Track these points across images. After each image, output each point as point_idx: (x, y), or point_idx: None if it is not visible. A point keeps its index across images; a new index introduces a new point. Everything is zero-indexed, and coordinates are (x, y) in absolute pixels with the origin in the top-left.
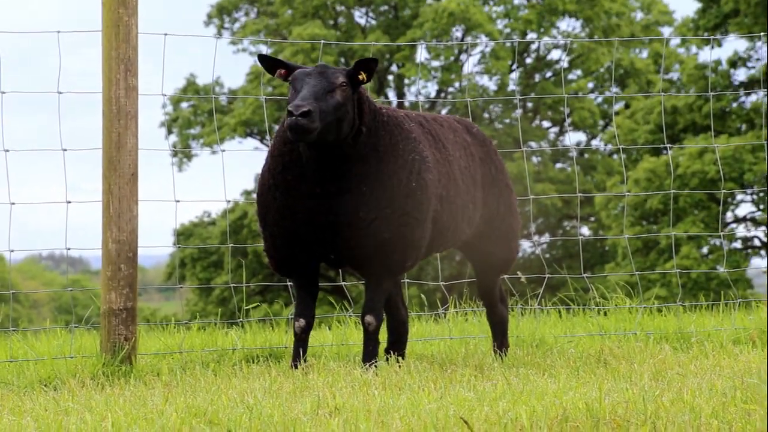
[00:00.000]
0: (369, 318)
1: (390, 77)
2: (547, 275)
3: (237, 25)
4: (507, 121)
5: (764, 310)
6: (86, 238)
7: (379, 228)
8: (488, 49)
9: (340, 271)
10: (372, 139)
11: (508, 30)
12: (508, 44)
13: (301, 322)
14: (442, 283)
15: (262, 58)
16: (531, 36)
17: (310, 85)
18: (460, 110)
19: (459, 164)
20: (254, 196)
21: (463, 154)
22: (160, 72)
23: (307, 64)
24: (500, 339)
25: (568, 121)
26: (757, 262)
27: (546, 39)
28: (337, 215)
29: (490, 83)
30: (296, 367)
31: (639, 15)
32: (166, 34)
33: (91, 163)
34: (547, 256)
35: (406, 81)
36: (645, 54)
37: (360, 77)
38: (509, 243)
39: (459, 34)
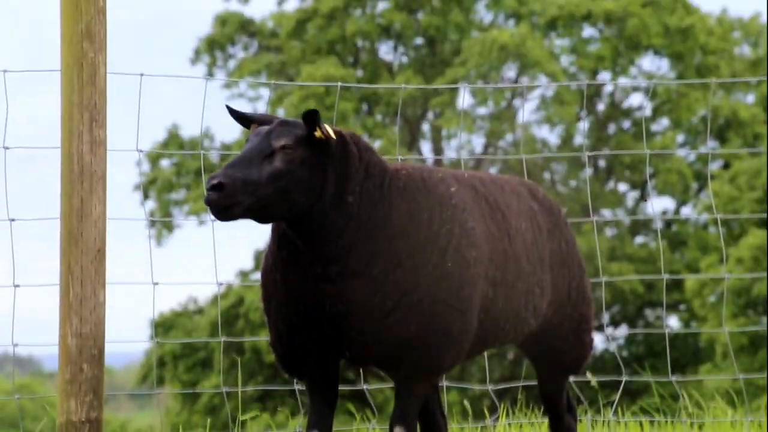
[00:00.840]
0: (399, 431)
1: (425, 127)
2: (624, 378)
3: (232, 63)
4: (573, 183)
5: None
6: (39, 331)
7: (401, 320)
8: (550, 93)
9: (361, 371)
10: (378, 210)
11: (574, 69)
12: (574, 86)
13: None
14: (490, 386)
15: (231, 112)
16: (603, 76)
17: (245, 149)
18: (515, 169)
19: (524, 239)
20: (253, 277)
21: (529, 226)
22: (134, 122)
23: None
24: None
25: (651, 183)
26: None
27: (623, 80)
28: (348, 304)
29: (551, 135)
30: None
31: (744, 49)
32: (142, 75)
33: (46, 237)
34: (625, 353)
35: (445, 132)
36: (751, 99)
37: (318, 135)
38: (581, 337)
39: (512, 74)
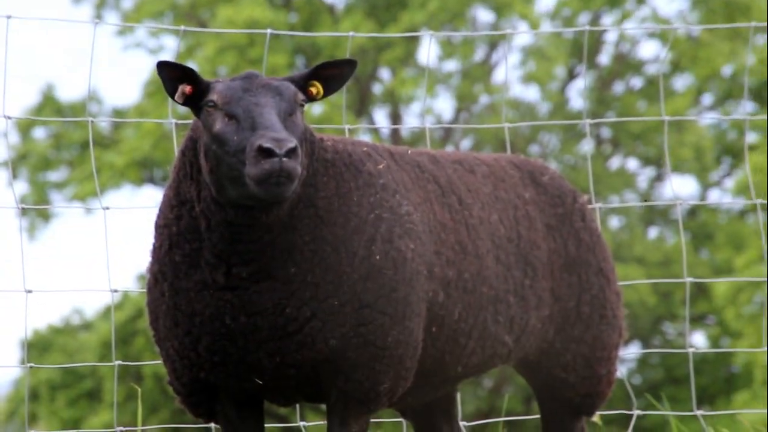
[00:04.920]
0: None
1: (377, 89)
2: (636, 412)
3: (127, 2)
4: (570, 159)
5: None
6: None
7: (319, 330)
8: (536, 42)
9: (297, 406)
10: (307, 190)
11: (567, 12)
12: (569, 33)
13: None
14: (463, 423)
15: (163, 67)
16: (605, 22)
17: (266, 105)
18: (491, 142)
19: (493, 232)
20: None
21: (506, 218)
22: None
23: (242, 69)
24: None
25: (669, 159)
26: None
27: (631, 26)
28: (254, 315)
29: (539, 98)
30: None
31: None
32: (9, 17)
33: None
34: (637, 380)
35: (403, 95)
36: None
37: (313, 90)
38: (595, 366)
39: (488, 19)
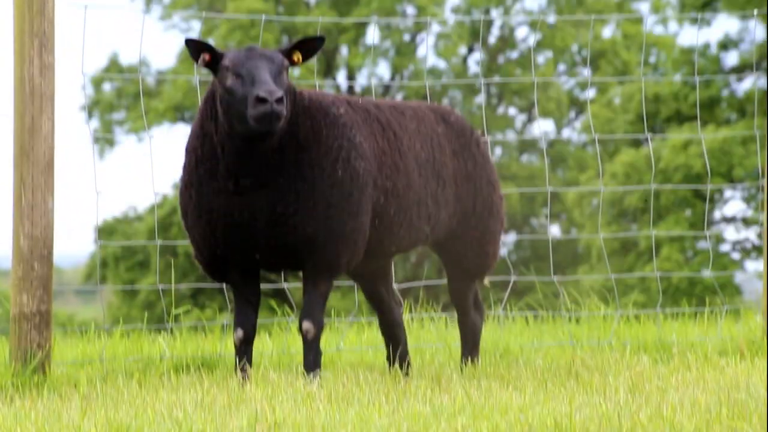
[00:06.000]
0: (306, 324)
1: (338, 58)
2: (513, 278)
3: None
4: (470, 107)
5: (753, 319)
6: None
7: (299, 223)
8: (445, 30)
9: (282, 273)
10: (291, 127)
11: (465, 8)
12: (467, 22)
13: (239, 332)
14: (395, 285)
15: (190, 43)
16: (493, 14)
17: (262, 68)
18: (416, 96)
19: (416, 156)
20: None
21: (425, 146)
22: (79, 49)
23: (245, 43)
24: (470, 348)
25: (536, 109)
26: (751, 266)
27: (511, 17)
28: (255, 212)
29: (448, 68)
30: (244, 379)
31: None
32: (86, 7)
33: (1, 150)
34: (513, 257)
35: (356, 63)
36: (616, 33)
37: (295, 58)
38: (485, 247)
39: (413, 12)
